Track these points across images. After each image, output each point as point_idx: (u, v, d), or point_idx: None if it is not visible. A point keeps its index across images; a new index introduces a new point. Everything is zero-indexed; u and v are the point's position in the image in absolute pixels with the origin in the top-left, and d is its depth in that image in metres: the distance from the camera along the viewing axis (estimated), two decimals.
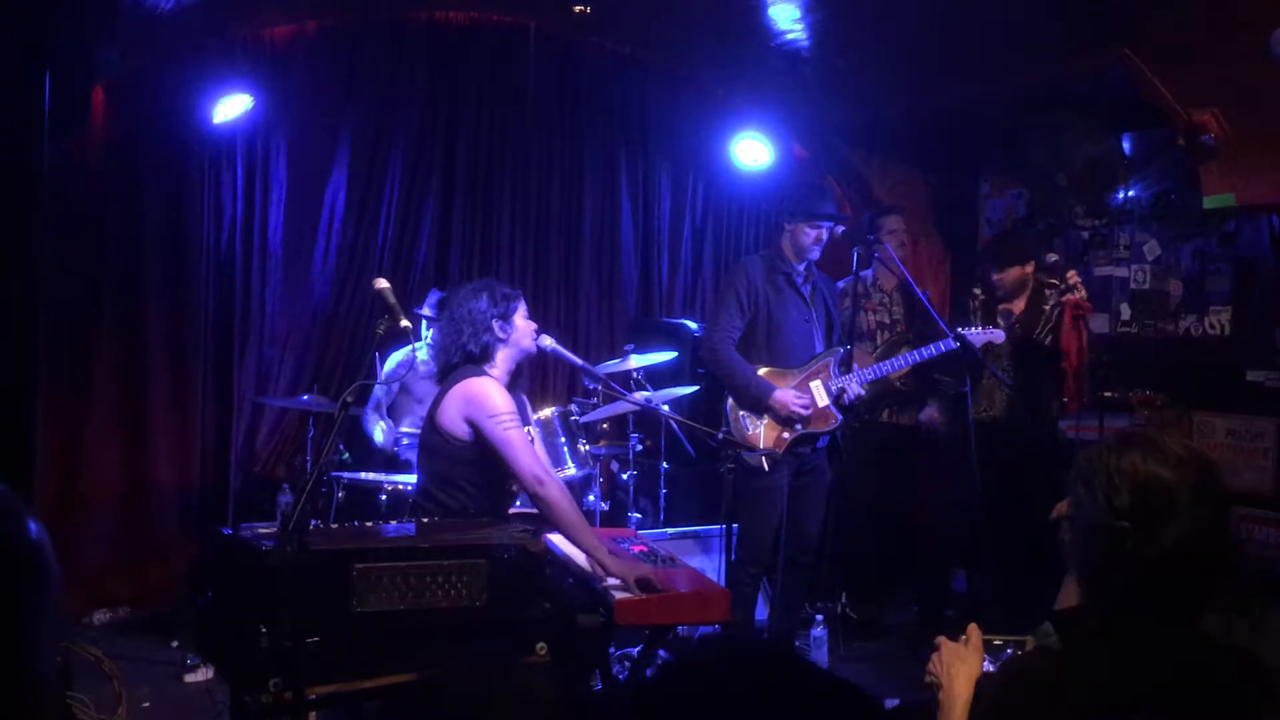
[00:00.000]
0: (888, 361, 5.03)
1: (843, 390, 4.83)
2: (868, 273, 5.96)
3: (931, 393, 5.82)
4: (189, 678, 4.73)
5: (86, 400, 5.64)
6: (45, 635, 1.15)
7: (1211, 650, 1.74)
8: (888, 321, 6.07)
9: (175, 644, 5.13)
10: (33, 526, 1.19)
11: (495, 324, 3.75)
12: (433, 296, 5.72)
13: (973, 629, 2.14)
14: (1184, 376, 5.69)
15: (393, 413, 5.70)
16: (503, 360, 3.80)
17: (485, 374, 3.71)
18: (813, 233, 4.88)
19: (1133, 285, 6.20)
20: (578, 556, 3.58)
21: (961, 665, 2.06)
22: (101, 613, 5.56)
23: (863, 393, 4.93)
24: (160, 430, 5.81)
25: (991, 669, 2.11)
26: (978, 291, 5.65)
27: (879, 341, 6.03)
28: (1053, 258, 5.42)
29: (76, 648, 3.67)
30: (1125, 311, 6.23)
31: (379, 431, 5.51)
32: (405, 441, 5.39)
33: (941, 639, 2.14)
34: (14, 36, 3.94)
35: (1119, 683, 1.67)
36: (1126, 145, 6.09)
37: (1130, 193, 6.14)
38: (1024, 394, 5.34)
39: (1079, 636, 1.80)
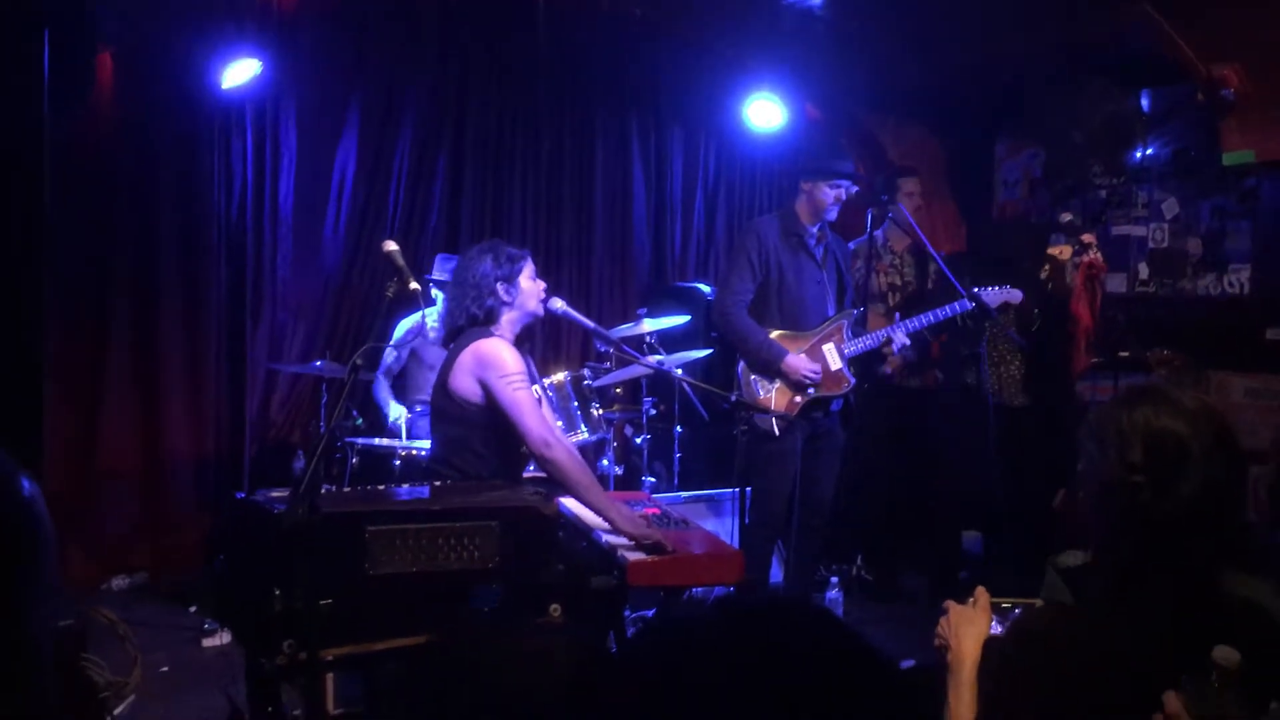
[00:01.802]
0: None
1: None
2: (878, 233, 5.90)
3: (944, 354, 5.76)
4: (206, 642, 4.77)
5: (102, 369, 5.65)
6: (39, 595, 1.13)
7: (1229, 605, 1.72)
8: (899, 283, 6.02)
9: (193, 609, 5.16)
10: (25, 485, 1.17)
11: (499, 286, 3.72)
12: (445, 261, 5.71)
13: (980, 591, 2.15)
14: (1202, 336, 5.65)
15: (404, 380, 5.69)
16: (508, 323, 3.77)
17: (494, 335, 3.69)
18: (832, 192, 4.82)
19: (1151, 244, 6.13)
20: (591, 519, 3.57)
21: (969, 627, 2.07)
22: (120, 579, 5.60)
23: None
24: (175, 397, 5.83)
25: (999, 631, 2.11)
26: None
27: (890, 303, 5.98)
28: (1067, 217, 5.37)
29: (92, 612, 3.69)
30: (1143, 271, 6.17)
31: (393, 410, 5.51)
32: (418, 409, 5.39)
33: (950, 602, 2.15)
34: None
35: (1136, 639, 1.65)
36: (1145, 102, 6.00)
37: (1149, 150, 6.06)
38: (1037, 355, 5.29)
39: (1094, 593, 1.78)
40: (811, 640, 1.18)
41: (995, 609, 2.16)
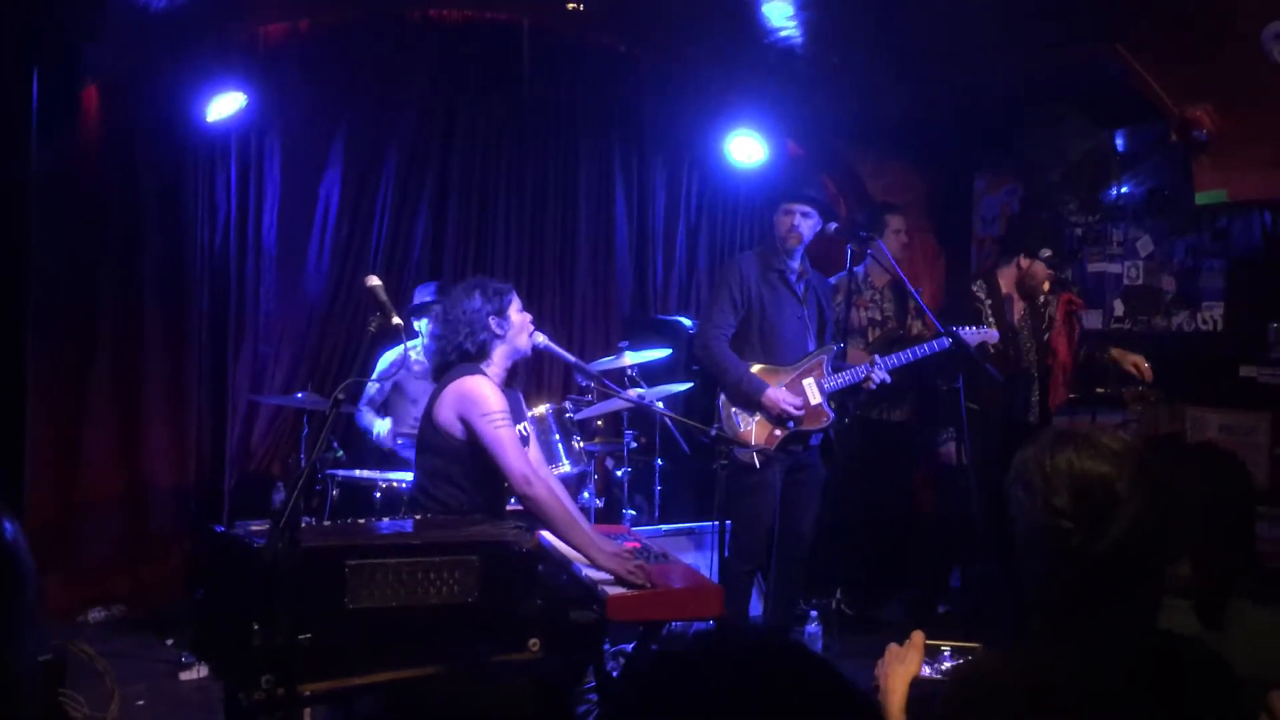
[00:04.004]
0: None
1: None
2: (859, 269, 5.96)
3: (934, 400, 5.75)
4: (184, 675, 4.74)
5: (83, 399, 5.64)
6: (21, 635, 1.15)
7: (1166, 644, 1.73)
8: (879, 318, 6.09)
9: (170, 642, 5.14)
10: (8, 527, 1.19)
11: (492, 321, 3.74)
12: (424, 290, 5.74)
13: (916, 634, 2.20)
14: (1177, 372, 5.70)
15: (386, 412, 5.69)
16: (500, 357, 3.80)
17: (481, 372, 3.71)
18: (786, 220, 4.85)
19: (1126, 281, 6.21)
20: (572, 552, 3.59)
21: (899, 666, 2.13)
22: (97, 611, 5.57)
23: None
24: (156, 428, 5.82)
25: (929, 672, 2.16)
26: (979, 290, 5.52)
27: (870, 338, 6.03)
28: (1046, 253, 5.43)
29: (70, 646, 3.67)
30: (1118, 307, 6.24)
31: (378, 425, 5.51)
32: (401, 441, 5.39)
33: (890, 645, 2.20)
34: (1, 35, 3.94)
35: (1073, 681, 1.65)
36: (1120, 141, 6.10)
37: (1123, 189, 6.15)
38: (1013, 393, 5.33)
39: (1030, 637, 1.78)
40: (789, 675, 1.20)
41: (929, 650, 2.20)
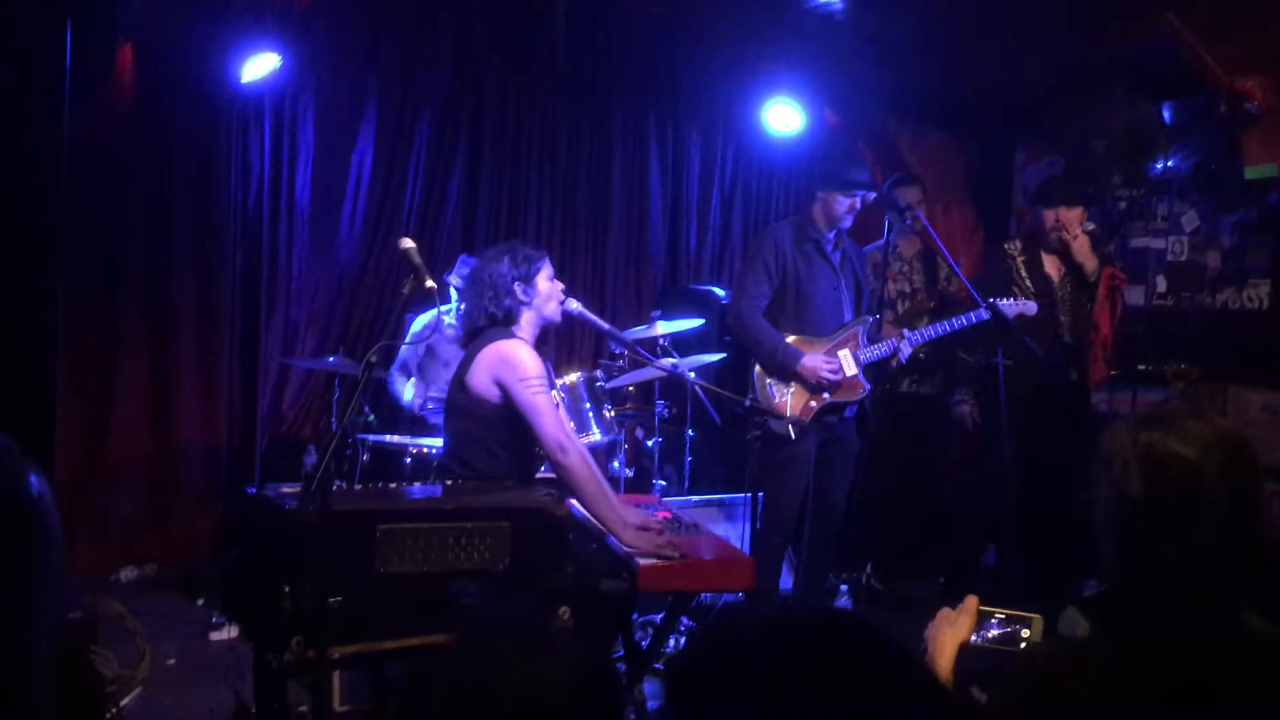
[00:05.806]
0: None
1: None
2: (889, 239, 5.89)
3: (954, 365, 5.69)
4: (214, 635, 4.77)
5: (114, 360, 5.66)
6: (42, 594, 1.13)
7: (1247, 641, 1.63)
8: (908, 290, 6.00)
9: (201, 602, 5.17)
10: (33, 480, 1.16)
11: (517, 287, 3.71)
12: (467, 262, 5.70)
13: (970, 598, 2.17)
14: (1220, 350, 5.60)
15: (418, 376, 5.68)
16: (527, 324, 3.76)
17: (515, 336, 3.68)
18: (846, 201, 4.80)
19: (1170, 257, 6.09)
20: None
21: (949, 629, 2.10)
22: (129, 570, 5.60)
23: (907, 355, 4.84)
24: (187, 390, 5.83)
25: (976, 639, 2.13)
26: (1012, 249, 5.42)
27: (900, 310, 5.95)
28: (1090, 227, 5.32)
29: (101, 605, 3.69)
30: (1162, 284, 6.12)
31: (408, 389, 5.50)
32: (431, 406, 5.38)
33: (944, 609, 2.17)
34: None
35: (1143, 676, 1.57)
36: (1167, 113, 5.96)
37: (1169, 162, 6.01)
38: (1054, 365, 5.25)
39: (1110, 629, 1.69)
40: (858, 648, 1.18)
41: (981, 617, 2.16)
